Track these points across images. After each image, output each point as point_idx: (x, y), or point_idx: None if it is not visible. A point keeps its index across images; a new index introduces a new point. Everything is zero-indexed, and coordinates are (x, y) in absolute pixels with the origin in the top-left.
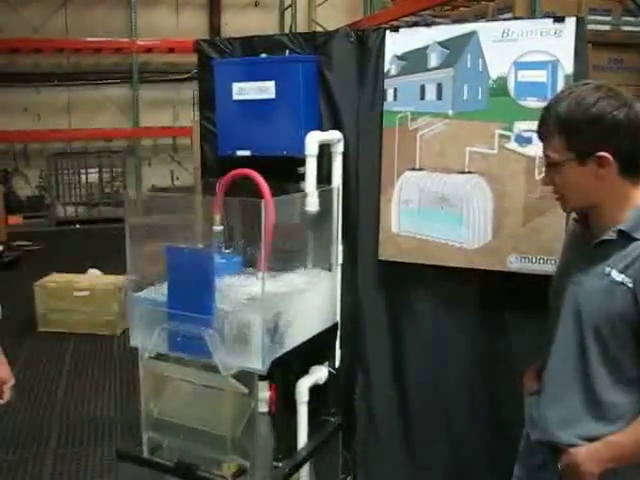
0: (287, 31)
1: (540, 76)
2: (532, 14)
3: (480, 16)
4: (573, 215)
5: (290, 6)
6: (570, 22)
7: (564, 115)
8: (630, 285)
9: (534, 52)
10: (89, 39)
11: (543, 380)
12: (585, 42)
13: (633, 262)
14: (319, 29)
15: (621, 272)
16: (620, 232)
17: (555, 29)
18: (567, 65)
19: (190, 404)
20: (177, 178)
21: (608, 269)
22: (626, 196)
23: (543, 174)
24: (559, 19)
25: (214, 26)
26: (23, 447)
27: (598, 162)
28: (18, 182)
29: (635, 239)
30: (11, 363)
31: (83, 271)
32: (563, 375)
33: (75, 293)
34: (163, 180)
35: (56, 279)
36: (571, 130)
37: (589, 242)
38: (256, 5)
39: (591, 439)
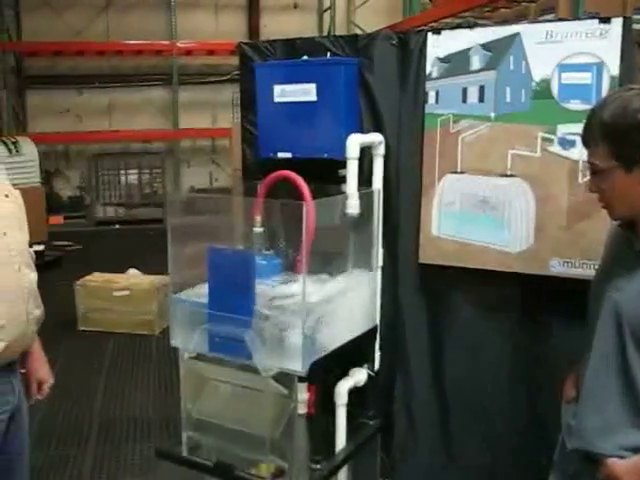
0: (325, 33)
1: (585, 78)
2: (575, 15)
3: (521, 17)
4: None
5: (329, 8)
6: (616, 23)
7: (609, 121)
8: None
9: (579, 54)
10: (129, 42)
11: (580, 387)
12: (632, 43)
13: None
14: (358, 31)
15: None
16: None
17: (601, 30)
18: (613, 67)
19: (229, 404)
20: (216, 179)
21: None
22: None
23: (588, 179)
24: (605, 20)
25: (253, 28)
26: (64, 444)
27: None
28: (59, 183)
29: None
30: (51, 361)
31: (122, 271)
32: (602, 383)
33: (115, 293)
34: (202, 181)
35: (96, 279)
36: (616, 136)
37: (633, 249)
38: (295, 7)
39: (632, 449)
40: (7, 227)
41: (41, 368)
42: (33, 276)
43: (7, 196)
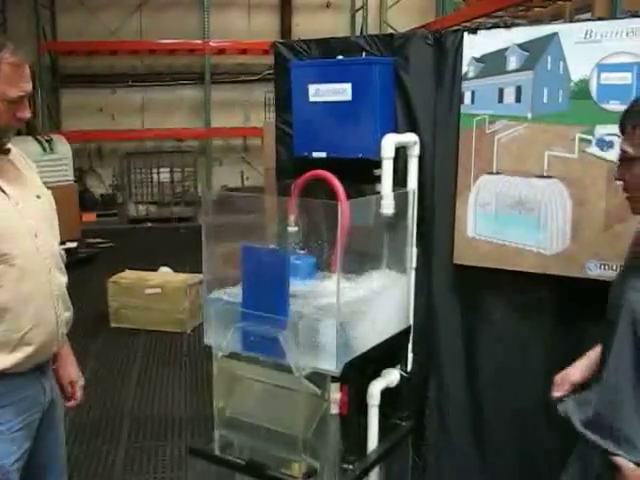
0: (358, 33)
1: (625, 78)
2: (612, 13)
3: (556, 17)
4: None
5: (362, 8)
6: None
7: None
8: None
9: (618, 53)
10: (163, 41)
11: (599, 384)
12: None
13: None
14: (390, 31)
15: None
16: None
17: None
18: None
19: (262, 403)
20: (247, 178)
21: None
22: None
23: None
24: None
25: (285, 28)
26: (96, 440)
27: None
28: (92, 181)
29: None
30: (84, 357)
31: (154, 269)
32: (619, 384)
33: (147, 290)
34: (233, 180)
35: (128, 276)
36: None
37: None
38: (327, 6)
39: None
40: (38, 229)
41: (71, 369)
42: (63, 279)
43: (39, 197)
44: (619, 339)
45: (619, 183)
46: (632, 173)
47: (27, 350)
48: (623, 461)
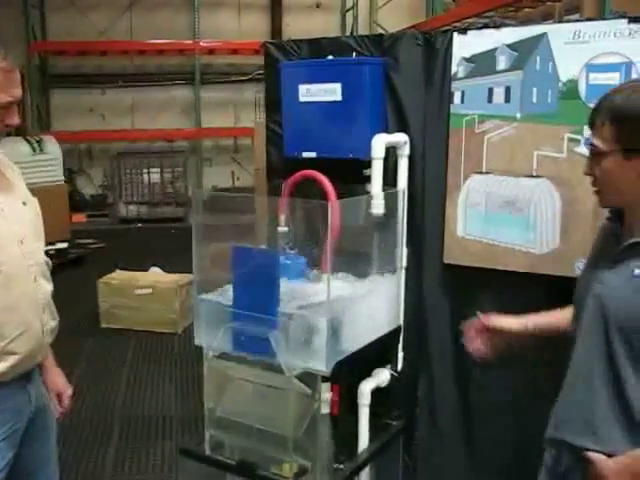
0: (348, 33)
1: (613, 79)
2: (601, 14)
3: (546, 17)
4: (606, 214)
5: (352, 8)
6: None
7: (619, 105)
8: None
9: (607, 54)
10: (153, 41)
11: (565, 379)
12: None
13: None
14: (380, 31)
15: None
16: None
17: (630, 30)
18: None
19: (252, 403)
20: (237, 178)
21: (638, 271)
22: None
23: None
24: (635, 19)
25: (276, 28)
26: (86, 442)
27: None
28: (82, 181)
29: None
30: (74, 358)
31: (145, 269)
32: (588, 375)
33: (137, 291)
34: (224, 180)
35: (119, 276)
36: (623, 121)
37: (620, 242)
38: (318, 7)
39: (617, 448)
40: (24, 235)
41: (58, 380)
42: (49, 287)
43: (25, 203)
44: (586, 332)
45: (589, 178)
46: (601, 167)
47: (12, 360)
48: (595, 454)
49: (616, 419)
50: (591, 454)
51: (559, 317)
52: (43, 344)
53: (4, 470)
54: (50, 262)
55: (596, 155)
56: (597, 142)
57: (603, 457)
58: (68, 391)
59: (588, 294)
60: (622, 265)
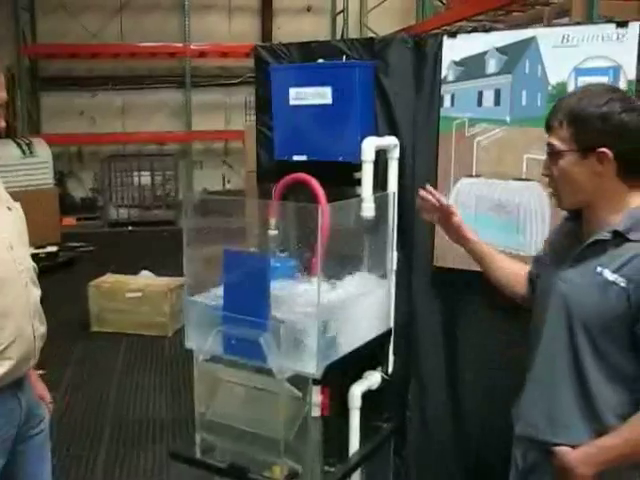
0: (338, 36)
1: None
2: (590, 18)
3: (535, 21)
4: (564, 214)
5: (342, 11)
6: (634, 27)
7: (576, 107)
8: (623, 285)
9: (595, 58)
10: (143, 44)
11: (528, 375)
12: None
13: (627, 262)
14: (371, 34)
15: (614, 272)
16: (615, 233)
17: (618, 34)
18: (630, 71)
19: (243, 407)
20: (228, 181)
21: (600, 268)
22: (620, 198)
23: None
24: (622, 24)
25: (266, 31)
26: (76, 445)
27: (598, 158)
28: (73, 184)
29: (629, 240)
30: (64, 362)
31: (135, 272)
32: (553, 372)
33: (127, 294)
34: (214, 183)
35: (109, 280)
36: (580, 122)
37: (580, 240)
38: (308, 10)
39: (581, 440)
40: (12, 241)
41: (38, 386)
42: (38, 292)
43: (9, 209)
44: (551, 329)
45: (546, 178)
46: (559, 167)
47: (7, 365)
48: (559, 447)
49: (580, 413)
50: (556, 448)
51: (505, 265)
52: (34, 349)
53: None
54: (36, 267)
55: (554, 155)
56: (555, 142)
57: (567, 448)
58: (48, 397)
59: (551, 292)
60: (584, 263)
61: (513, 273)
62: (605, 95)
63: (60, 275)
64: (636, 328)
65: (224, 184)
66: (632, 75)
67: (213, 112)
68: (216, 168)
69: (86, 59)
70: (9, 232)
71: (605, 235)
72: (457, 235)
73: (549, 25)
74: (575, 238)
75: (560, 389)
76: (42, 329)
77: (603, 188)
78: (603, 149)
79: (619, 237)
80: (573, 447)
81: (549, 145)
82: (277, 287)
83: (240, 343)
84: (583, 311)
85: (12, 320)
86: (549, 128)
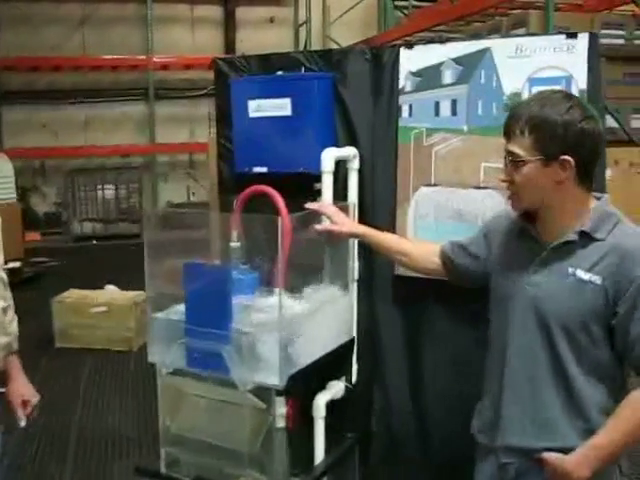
0: (302, 47)
1: None
2: (546, 29)
3: (494, 31)
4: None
5: (305, 23)
6: (583, 38)
7: (538, 115)
8: (599, 282)
9: (548, 68)
10: (106, 57)
11: (502, 384)
12: (598, 57)
13: (599, 261)
14: (334, 45)
15: (587, 271)
16: (581, 233)
17: (568, 45)
18: (581, 80)
19: (207, 419)
20: (193, 194)
21: (572, 269)
22: (579, 201)
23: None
24: (572, 35)
25: (229, 43)
26: (41, 463)
27: (561, 165)
28: (36, 199)
29: (596, 239)
30: (29, 379)
31: (100, 287)
32: (531, 375)
33: (92, 309)
34: (179, 196)
35: (73, 295)
36: (543, 131)
37: (538, 242)
38: (271, 21)
39: (568, 441)
40: None
41: (23, 389)
42: (1, 303)
43: None
44: (522, 335)
45: (504, 185)
46: (521, 174)
47: None
48: (549, 455)
49: (564, 411)
50: (546, 455)
51: (407, 247)
52: None
53: None
54: (5, 278)
55: (515, 163)
56: (517, 150)
57: (559, 455)
58: (34, 399)
59: (515, 297)
60: (552, 266)
61: (419, 251)
62: (565, 103)
63: (24, 291)
64: (613, 322)
65: (189, 197)
66: (583, 84)
67: (177, 124)
68: (181, 181)
69: (48, 72)
70: None
71: (572, 237)
72: (349, 235)
73: (505, 36)
74: (531, 240)
75: (542, 390)
76: (4, 340)
77: (564, 193)
78: (566, 157)
79: (585, 237)
80: (561, 450)
81: (510, 153)
82: (239, 299)
83: (203, 356)
84: (560, 312)
85: None
86: (508, 135)
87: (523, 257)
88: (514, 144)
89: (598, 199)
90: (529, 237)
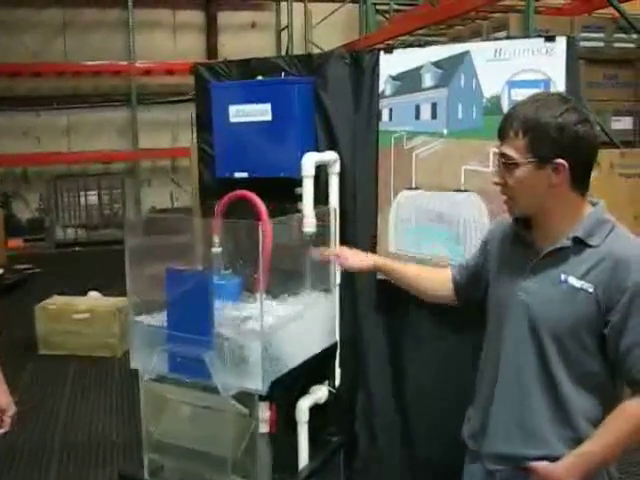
0: (284, 52)
1: None
2: (526, 32)
3: (475, 34)
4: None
5: (287, 27)
6: (561, 41)
7: (533, 118)
8: (591, 290)
9: (527, 71)
10: (87, 63)
11: (492, 391)
12: (577, 60)
13: (592, 268)
14: (315, 50)
15: (580, 278)
16: (575, 239)
17: (546, 48)
18: (559, 83)
19: (190, 425)
20: (176, 199)
21: (564, 276)
22: (573, 206)
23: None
24: (550, 38)
25: (211, 47)
26: (25, 469)
27: (554, 169)
28: (18, 205)
29: (589, 246)
30: (12, 386)
31: (83, 293)
32: (521, 383)
33: (75, 315)
34: (162, 201)
35: (56, 301)
36: (537, 133)
37: (532, 248)
38: (253, 26)
39: (556, 449)
40: None
41: (1, 398)
42: None
43: None
44: (514, 341)
45: (498, 187)
46: (515, 177)
47: None
48: (537, 464)
49: (552, 420)
50: (533, 464)
51: (422, 273)
52: None
53: None
54: None
55: (509, 165)
56: (510, 152)
57: (546, 463)
58: (10, 410)
59: (509, 304)
60: (545, 272)
61: (431, 279)
62: (560, 105)
63: (7, 298)
64: (605, 331)
65: (172, 202)
66: (562, 87)
67: (160, 130)
68: (164, 186)
69: (29, 78)
70: None
71: (565, 243)
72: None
73: (485, 39)
74: (525, 246)
75: (530, 397)
76: None
77: (558, 197)
78: (560, 160)
79: (579, 244)
80: (547, 458)
81: (503, 155)
82: (221, 304)
83: (185, 361)
84: (551, 320)
85: None
86: (502, 137)
87: (517, 263)
88: (508, 146)
89: (594, 205)
90: (523, 243)
